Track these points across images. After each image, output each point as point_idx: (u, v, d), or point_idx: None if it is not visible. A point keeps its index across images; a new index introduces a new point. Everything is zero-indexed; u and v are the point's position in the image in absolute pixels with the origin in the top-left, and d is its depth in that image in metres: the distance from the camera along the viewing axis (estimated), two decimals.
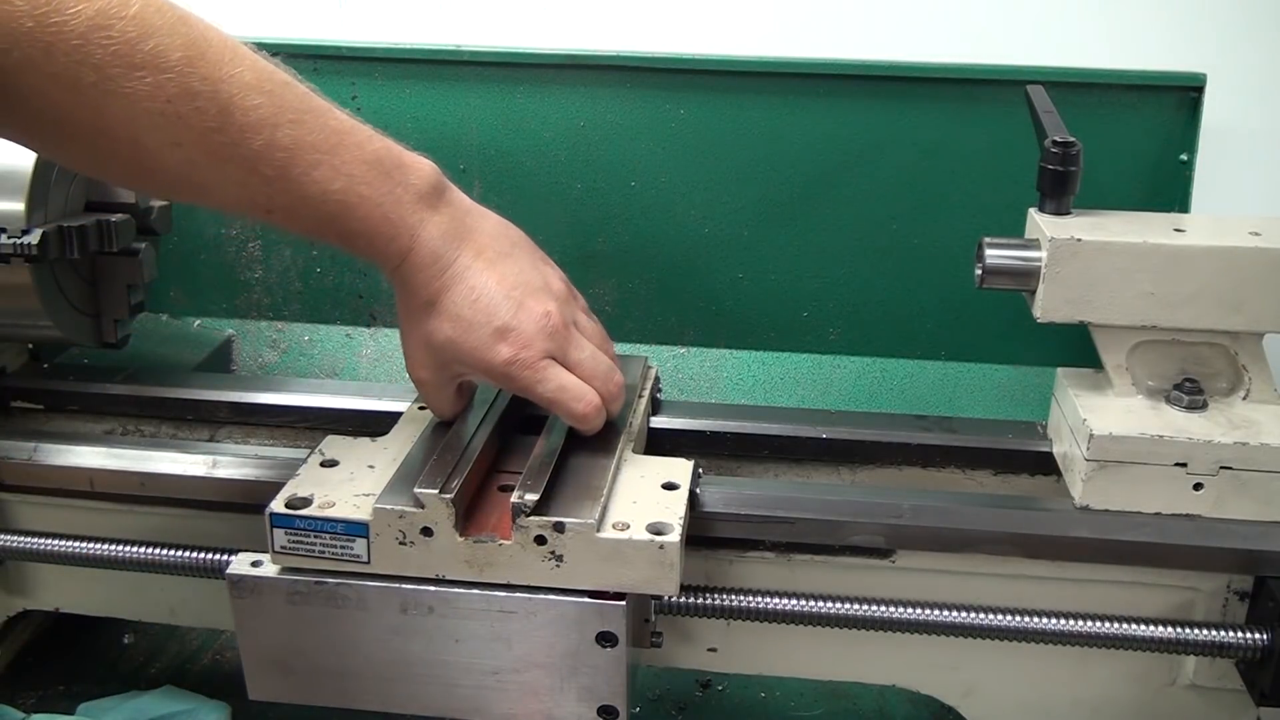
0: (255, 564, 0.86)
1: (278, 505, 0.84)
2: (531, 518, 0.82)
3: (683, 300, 1.39)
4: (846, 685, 1.16)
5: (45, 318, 1.06)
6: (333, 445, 0.93)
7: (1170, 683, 0.96)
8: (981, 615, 0.89)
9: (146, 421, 1.14)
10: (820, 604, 0.90)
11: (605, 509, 0.84)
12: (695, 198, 1.35)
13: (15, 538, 1.00)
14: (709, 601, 0.91)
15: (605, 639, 0.83)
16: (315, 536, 0.84)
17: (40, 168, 1.00)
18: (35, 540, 0.99)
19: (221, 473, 0.97)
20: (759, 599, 0.90)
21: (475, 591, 0.84)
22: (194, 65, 0.72)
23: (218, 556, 0.95)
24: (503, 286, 0.86)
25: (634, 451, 0.95)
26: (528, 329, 0.85)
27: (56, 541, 0.99)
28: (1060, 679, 0.96)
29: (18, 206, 0.99)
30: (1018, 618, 0.89)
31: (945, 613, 0.89)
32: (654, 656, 0.96)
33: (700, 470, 0.93)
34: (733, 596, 0.91)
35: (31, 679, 1.17)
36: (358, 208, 0.81)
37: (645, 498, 0.87)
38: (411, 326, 0.88)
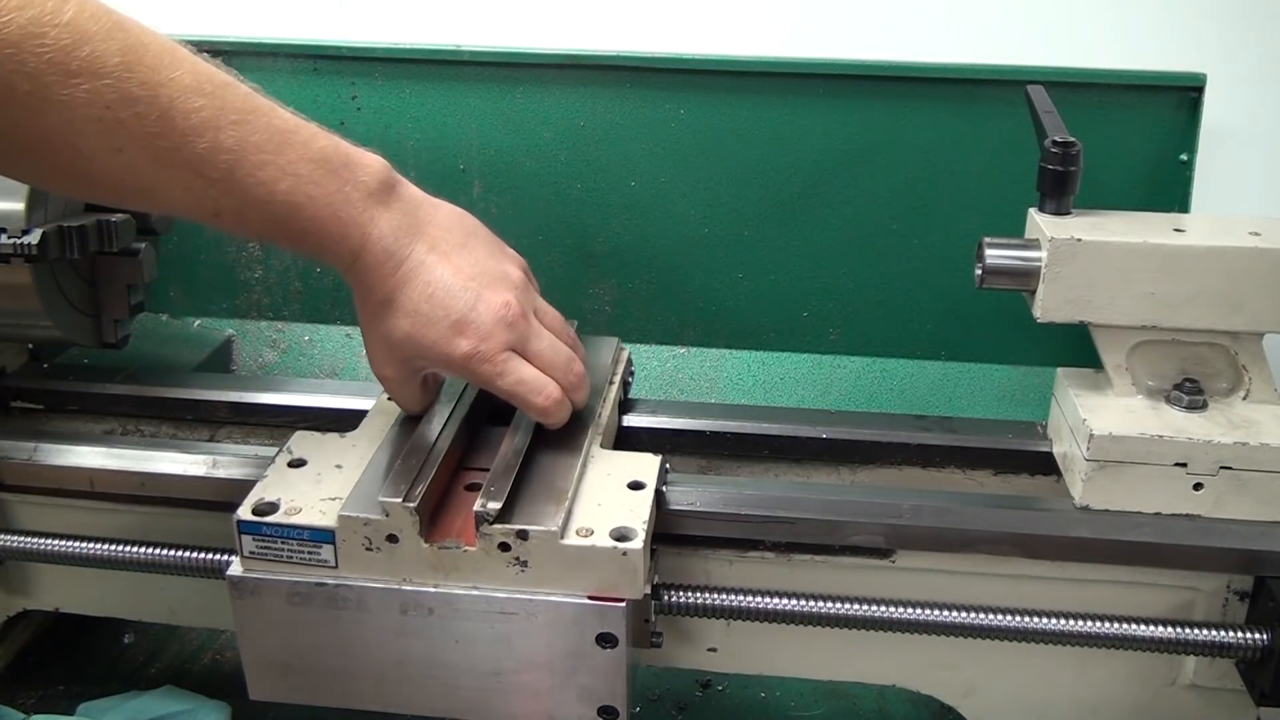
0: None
1: (245, 512, 0.84)
2: (495, 525, 0.81)
3: (682, 300, 1.39)
4: (846, 685, 1.16)
5: (45, 318, 1.06)
6: (301, 443, 0.93)
7: (1170, 683, 0.96)
8: (981, 615, 0.89)
9: (146, 421, 1.14)
10: (820, 604, 0.90)
11: (570, 513, 0.84)
12: (695, 198, 1.35)
13: (15, 538, 1.00)
14: (709, 601, 0.91)
15: (605, 640, 0.83)
16: (283, 543, 0.84)
17: None
18: (35, 540, 0.99)
19: (221, 473, 0.97)
20: (759, 599, 0.90)
21: (475, 593, 0.83)
22: (132, 70, 0.71)
23: (218, 556, 0.95)
24: (459, 278, 0.85)
25: (603, 445, 0.94)
26: (486, 321, 0.85)
27: (56, 541, 0.99)
28: (1060, 679, 0.96)
29: (18, 206, 0.99)
30: (1018, 618, 0.89)
31: (945, 613, 0.89)
32: (654, 656, 0.96)
33: (668, 467, 0.93)
34: (733, 596, 0.91)
35: (31, 679, 1.17)
36: (305, 208, 0.80)
37: (610, 499, 0.86)
38: (370, 325, 0.88)
